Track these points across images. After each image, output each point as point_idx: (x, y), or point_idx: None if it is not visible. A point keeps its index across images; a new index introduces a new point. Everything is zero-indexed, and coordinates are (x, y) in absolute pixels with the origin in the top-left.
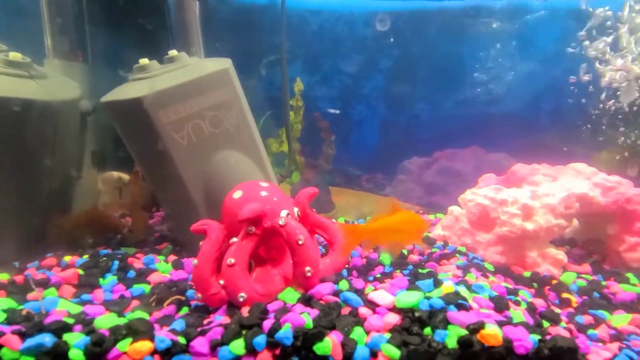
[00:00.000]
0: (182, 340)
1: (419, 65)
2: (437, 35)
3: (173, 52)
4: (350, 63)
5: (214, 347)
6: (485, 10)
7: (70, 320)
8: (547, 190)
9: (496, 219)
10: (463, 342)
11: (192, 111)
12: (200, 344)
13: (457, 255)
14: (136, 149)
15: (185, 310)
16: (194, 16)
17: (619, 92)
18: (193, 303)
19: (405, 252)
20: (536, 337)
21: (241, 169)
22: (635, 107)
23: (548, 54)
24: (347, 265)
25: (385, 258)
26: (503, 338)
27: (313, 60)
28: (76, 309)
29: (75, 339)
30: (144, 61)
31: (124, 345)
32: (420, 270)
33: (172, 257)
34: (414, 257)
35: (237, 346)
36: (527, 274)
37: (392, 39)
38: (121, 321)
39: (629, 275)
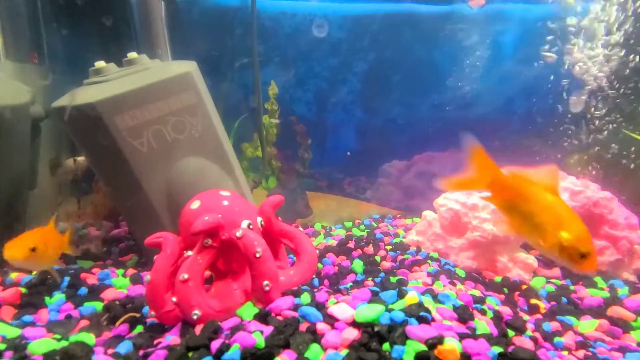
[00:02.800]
0: None
1: (395, 68)
2: (413, 38)
3: (132, 55)
4: (326, 66)
5: None
6: (459, 15)
7: (2, 346)
8: None
9: (468, 224)
10: (420, 358)
11: (152, 116)
12: None
13: (429, 261)
14: (92, 157)
15: (139, 329)
16: (159, 17)
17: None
18: (149, 321)
19: (378, 258)
20: (497, 350)
21: (207, 177)
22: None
23: (522, 58)
24: (314, 275)
25: (357, 265)
26: (461, 353)
27: (288, 63)
28: (14, 332)
29: None
30: (100, 64)
31: None
32: (391, 278)
33: (132, 271)
34: (387, 264)
35: None
36: (498, 279)
37: (367, 43)
38: (61, 345)
39: (597, 279)
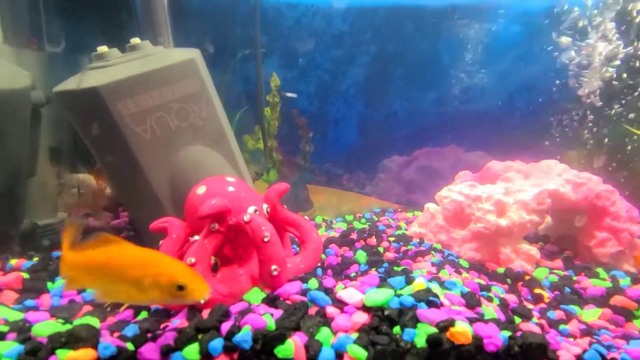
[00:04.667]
0: (130, 346)
1: (397, 62)
2: (416, 32)
3: (135, 40)
4: (328, 59)
5: (166, 353)
6: (462, 9)
7: (5, 328)
8: (520, 187)
9: (471, 216)
10: (432, 341)
11: (155, 103)
12: (150, 350)
13: (433, 252)
14: (93, 143)
15: (144, 314)
16: (161, 4)
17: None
18: (153, 307)
19: (381, 249)
20: (507, 333)
21: (210, 165)
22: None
23: (524, 52)
24: (319, 264)
25: (361, 256)
26: (473, 335)
27: (290, 55)
28: (16, 316)
29: (7, 348)
30: (103, 49)
31: (63, 353)
32: (395, 268)
33: None
34: (390, 255)
35: (191, 351)
36: (501, 270)
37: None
38: (65, 328)
39: (599, 270)
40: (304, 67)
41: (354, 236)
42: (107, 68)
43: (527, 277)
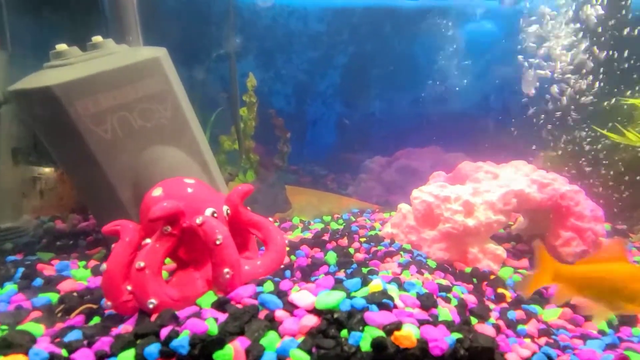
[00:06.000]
0: (64, 353)
1: (375, 63)
2: (394, 33)
3: (97, 39)
4: (305, 59)
5: (101, 359)
6: (440, 11)
7: None
8: (487, 187)
9: (440, 216)
10: (376, 345)
11: (116, 102)
12: (84, 356)
13: (402, 252)
14: (52, 144)
15: (96, 320)
16: (131, 2)
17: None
18: (107, 312)
19: (352, 250)
20: (456, 336)
21: (176, 166)
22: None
23: (501, 54)
24: (282, 266)
25: (331, 257)
26: (418, 339)
27: (266, 56)
28: None
29: None
30: (62, 47)
31: None
32: (362, 269)
33: (94, 263)
34: (360, 256)
35: (126, 357)
36: (468, 269)
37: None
38: (3, 334)
39: None
40: (280, 67)
41: (326, 237)
42: (66, 67)
43: (492, 277)
